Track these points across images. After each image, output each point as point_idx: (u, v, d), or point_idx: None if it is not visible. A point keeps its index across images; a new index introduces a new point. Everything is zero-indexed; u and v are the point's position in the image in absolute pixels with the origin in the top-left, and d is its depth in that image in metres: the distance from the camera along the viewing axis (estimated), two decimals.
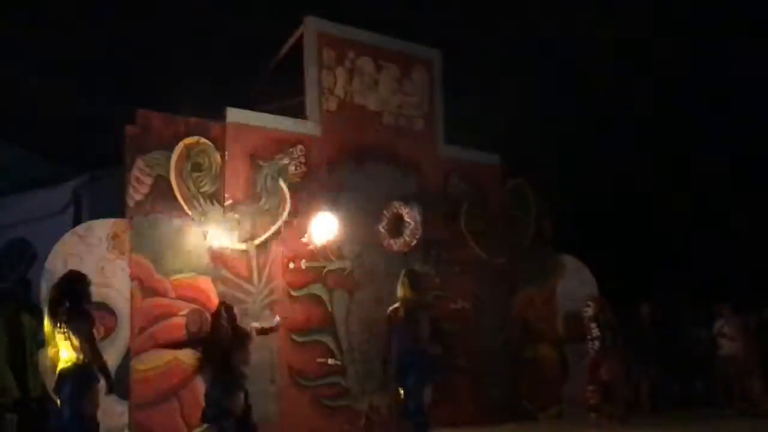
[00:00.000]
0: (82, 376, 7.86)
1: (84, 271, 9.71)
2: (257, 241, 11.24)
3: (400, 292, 9.67)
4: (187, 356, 10.30)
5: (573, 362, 13.66)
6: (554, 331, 14.08)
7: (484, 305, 13.30)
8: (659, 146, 17.13)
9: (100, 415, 9.60)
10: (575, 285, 14.40)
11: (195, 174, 10.84)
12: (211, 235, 10.84)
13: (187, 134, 10.85)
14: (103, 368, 8.08)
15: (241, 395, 9.22)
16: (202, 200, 10.86)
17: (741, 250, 16.58)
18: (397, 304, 9.63)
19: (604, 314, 12.33)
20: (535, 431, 11.58)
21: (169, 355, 10.15)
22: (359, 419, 11.87)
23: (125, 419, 9.93)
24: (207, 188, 10.92)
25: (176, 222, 10.62)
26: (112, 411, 9.84)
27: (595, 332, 12.25)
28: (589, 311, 12.45)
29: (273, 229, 11.41)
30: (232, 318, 9.44)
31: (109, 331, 9.98)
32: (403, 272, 9.85)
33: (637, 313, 14.12)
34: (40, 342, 9.67)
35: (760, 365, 13.24)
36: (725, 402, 13.52)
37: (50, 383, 9.46)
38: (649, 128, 16.98)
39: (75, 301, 8.02)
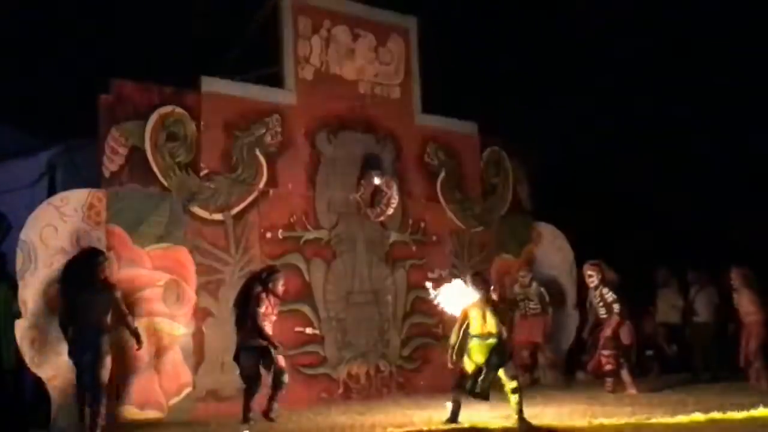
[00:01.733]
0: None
1: (58, 242, 9.77)
2: (234, 212, 11.23)
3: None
4: (166, 325, 10.34)
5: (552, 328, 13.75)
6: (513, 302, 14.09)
7: (461, 273, 13.33)
8: (640, 114, 17.07)
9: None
10: (552, 252, 14.50)
11: (170, 144, 10.78)
12: (188, 206, 10.81)
13: (162, 104, 10.78)
14: (133, 331, 9.22)
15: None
16: (177, 170, 10.82)
17: (720, 217, 16.64)
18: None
19: (609, 277, 12.03)
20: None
21: (146, 324, 10.13)
22: (337, 387, 11.94)
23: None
24: (182, 158, 10.87)
25: (152, 192, 10.58)
26: None
27: (610, 297, 11.80)
28: (595, 278, 12.11)
29: (249, 199, 11.40)
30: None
31: None
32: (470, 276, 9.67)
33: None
34: (16, 314, 9.67)
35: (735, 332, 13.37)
36: (700, 367, 13.64)
37: (28, 355, 9.51)
38: (630, 92, 16.89)
39: (91, 274, 8.92)
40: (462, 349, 9.28)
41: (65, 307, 9.00)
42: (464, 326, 9.31)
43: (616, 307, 11.82)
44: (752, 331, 12.14)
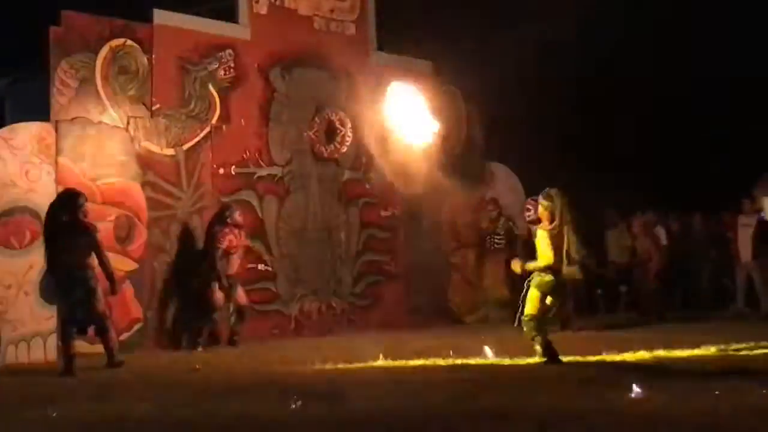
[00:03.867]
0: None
1: (8, 175, 9.68)
2: (186, 147, 11.16)
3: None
4: (117, 260, 10.29)
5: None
6: (481, 238, 14.26)
7: (414, 212, 13.42)
8: (597, 50, 16.92)
9: (28, 321, 9.71)
10: (505, 193, 14.58)
11: (121, 77, 10.66)
12: (139, 140, 10.73)
13: (113, 36, 10.63)
14: (110, 274, 9.21)
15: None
16: (129, 104, 10.71)
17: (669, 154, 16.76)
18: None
19: None
20: (462, 333, 11.80)
21: (95, 259, 10.07)
22: (289, 323, 12.02)
23: (52, 324, 9.90)
24: (134, 92, 10.77)
25: (103, 126, 10.47)
26: (38, 315, 9.84)
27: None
28: (532, 213, 11.99)
29: (202, 134, 11.32)
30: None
31: (35, 236, 9.86)
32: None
33: None
34: None
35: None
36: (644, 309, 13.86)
37: None
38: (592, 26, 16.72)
39: (72, 215, 8.98)
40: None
41: (50, 249, 9.01)
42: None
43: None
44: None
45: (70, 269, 8.99)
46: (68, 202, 9.12)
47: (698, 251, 14.83)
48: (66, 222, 8.98)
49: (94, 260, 9.15)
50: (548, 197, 8.80)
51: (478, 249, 13.73)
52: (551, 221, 8.71)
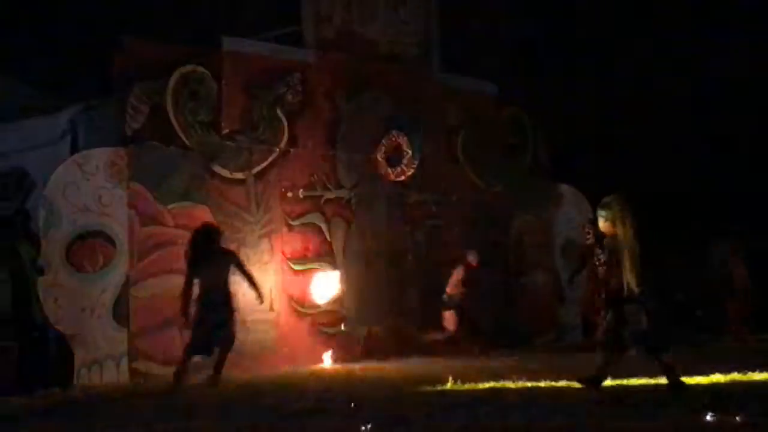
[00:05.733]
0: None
1: (81, 199, 9.87)
2: (255, 170, 11.25)
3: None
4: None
5: (569, 290, 13.71)
6: (550, 258, 14.15)
7: (480, 233, 13.35)
8: (663, 71, 16.80)
9: (101, 343, 9.85)
10: (573, 214, 14.45)
11: (191, 103, 10.79)
12: (209, 164, 10.85)
13: (184, 63, 10.77)
14: (256, 285, 9.83)
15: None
16: (199, 129, 10.84)
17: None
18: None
19: None
20: (530, 356, 11.67)
21: (168, 282, 10.22)
22: (357, 346, 12.00)
23: (125, 346, 10.03)
24: (204, 117, 10.88)
25: (174, 151, 10.61)
26: (112, 338, 9.97)
27: (601, 257, 11.61)
28: (591, 236, 11.99)
29: (270, 158, 11.41)
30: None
31: (108, 260, 10.04)
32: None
33: None
34: (39, 270, 9.75)
35: None
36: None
37: (51, 312, 9.62)
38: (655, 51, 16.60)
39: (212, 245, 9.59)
40: None
41: (191, 273, 9.43)
42: None
43: (600, 270, 11.15)
44: None
45: (211, 292, 9.43)
46: (211, 232, 9.67)
47: None
48: (207, 251, 9.45)
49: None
50: (606, 206, 8.14)
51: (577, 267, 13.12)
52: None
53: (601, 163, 15.37)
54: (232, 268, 9.65)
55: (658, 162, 16.16)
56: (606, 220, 8.19)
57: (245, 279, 9.75)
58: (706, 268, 13.95)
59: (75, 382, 9.74)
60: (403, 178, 12.57)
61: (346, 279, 11.97)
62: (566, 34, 16.32)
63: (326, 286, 11.70)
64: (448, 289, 12.52)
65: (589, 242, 12.18)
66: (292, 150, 11.61)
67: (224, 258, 9.64)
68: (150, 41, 10.64)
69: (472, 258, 12.60)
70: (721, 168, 16.23)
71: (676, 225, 14.67)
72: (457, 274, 12.53)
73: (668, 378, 7.97)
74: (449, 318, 12.47)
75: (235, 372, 9.97)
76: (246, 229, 11.09)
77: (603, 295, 9.79)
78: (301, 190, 11.65)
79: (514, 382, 8.94)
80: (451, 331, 12.45)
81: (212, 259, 9.47)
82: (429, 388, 8.81)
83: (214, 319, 9.41)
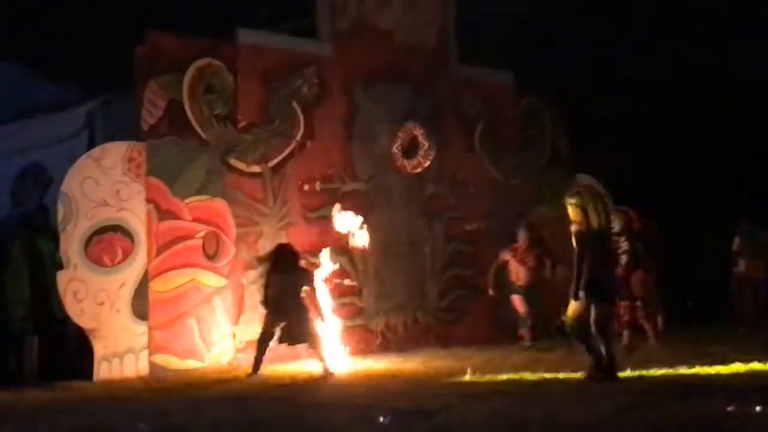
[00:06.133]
0: None
1: (99, 194, 9.89)
2: (271, 163, 11.25)
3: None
4: (205, 276, 10.44)
5: None
6: (569, 251, 14.03)
7: (498, 226, 13.28)
8: (683, 62, 16.61)
9: (120, 337, 9.89)
10: None
11: (208, 96, 10.80)
12: (226, 158, 10.85)
13: (199, 56, 10.78)
14: (317, 306, 10.12)
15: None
16: (215, 122, 10.84)
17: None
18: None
19: (633, 227, 11.56)
20: (549, 348, 11.62)
21: (186, 276, 10.26)
22: (375, 338, 12.00)
23: (144, 340, 10.07)
24: (220, 110, 10.89)
25: (190, 145, 10.61)
26: (131, 332, 10.00)
27: (624, 246, 11.39)
28: (615, 226, 11.81)
29: (287, 151, 11.40)
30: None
31: (127, 254, 10.07)
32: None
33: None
34: (59, 264, 9.78)
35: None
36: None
37: (71, 307, 9.66)
38: (674, 43, 16.41)
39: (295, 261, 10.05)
40: None
41: (268, 284, 9.85)
42: None
43: (622, 258, 11.27)
44: None
45: (281, 300, 9.73)
46: (287, 252, 10.04)
47: None
48: (286, 266, 9.86)
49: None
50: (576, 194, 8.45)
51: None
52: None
53: (619, 153, 15.24)
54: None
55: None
56: (576, 207, 8.51)
57: (309, 296, 9.97)
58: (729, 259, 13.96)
59: (95, 376, 9.77)
60: (419, 170, 12.53)
61: (364, 271, 11.95)
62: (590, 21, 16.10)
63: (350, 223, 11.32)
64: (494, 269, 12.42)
65: (614, 231, 11.92)
66: (308, 142, 11.59)
67: (302, 274, 10.03)
68: (170, 35, 10.64)
69: (523, 237, 12.28)
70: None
71: (700, 216, 14.57)
72: (503, 256, 12.42)
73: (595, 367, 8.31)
74: (518, 301, 12.28)
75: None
76: (263, 222, 11.09)
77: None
78: (317, 183, 11.63)
79: (533, 373, 8.94)
80: (521, 313, 12.24)
81: (290, 274, 9.87)
82: (450, 380, 8.80)
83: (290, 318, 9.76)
